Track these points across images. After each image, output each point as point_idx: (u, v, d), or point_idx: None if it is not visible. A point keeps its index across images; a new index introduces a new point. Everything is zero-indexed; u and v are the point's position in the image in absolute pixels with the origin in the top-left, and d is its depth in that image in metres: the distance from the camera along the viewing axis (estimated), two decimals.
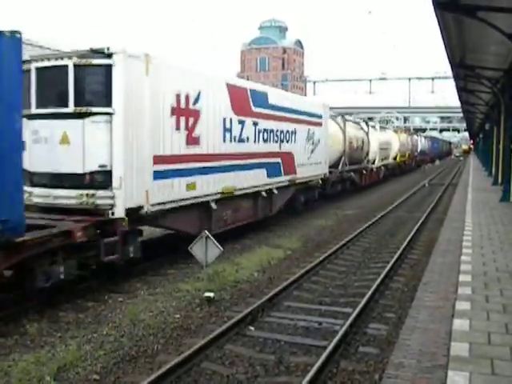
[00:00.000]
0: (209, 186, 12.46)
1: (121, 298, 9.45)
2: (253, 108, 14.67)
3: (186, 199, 11.60)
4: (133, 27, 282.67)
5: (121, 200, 9.57)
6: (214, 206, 12.79)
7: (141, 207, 10.11)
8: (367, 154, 29.94)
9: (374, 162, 31.73)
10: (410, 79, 61.45)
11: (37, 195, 9.81)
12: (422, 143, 60.39)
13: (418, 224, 17.16)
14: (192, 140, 11.72)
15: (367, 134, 30.54)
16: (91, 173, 9.56)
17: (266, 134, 15.52)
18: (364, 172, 29.53)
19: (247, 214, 15.04)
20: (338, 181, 24.42)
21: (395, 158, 40.66)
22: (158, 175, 10.55)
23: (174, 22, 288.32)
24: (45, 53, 11.28)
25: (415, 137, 56.29)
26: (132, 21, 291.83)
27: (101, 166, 9.53)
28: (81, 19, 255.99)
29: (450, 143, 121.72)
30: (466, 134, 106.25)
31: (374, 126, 34.03)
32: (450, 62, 19.45)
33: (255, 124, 14.81)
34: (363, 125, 31.29)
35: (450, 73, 24.40)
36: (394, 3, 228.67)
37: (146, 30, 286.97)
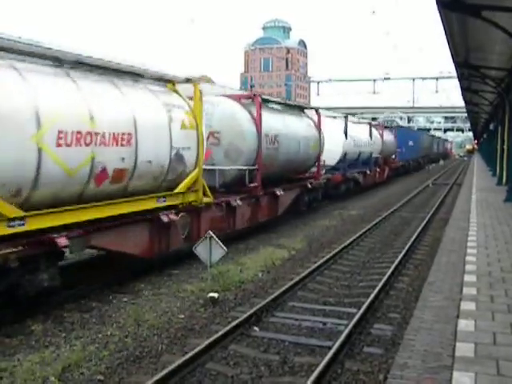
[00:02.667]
0: None
1: (125, 299, 9.46)
2: None
3: None
4: (134, 26, 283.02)
5: None
6: None
7: None
8: None
9: None
10: (413, 79, 61.00)
11: None
12: (354, 139, 25.86)
13: (423, 224, 17.13)
14: None
15: None
16: None
17: None
18: None
19: None
20: None
21: None
22: None
23: (176, 22, 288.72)
24: None
25: (309, 118, 19.80)
26: (133, 20, 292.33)
27: None
28: (81, 19, 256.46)
29: (446, 141, 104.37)
30: (470, 133, 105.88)
31: None
32: (454, 62, 19.38)
33: None
34: None
35: (454, 73, 24.34)
36: (397, 3, 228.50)
37: (147, 30, 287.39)
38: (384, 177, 34.49)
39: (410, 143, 47.10)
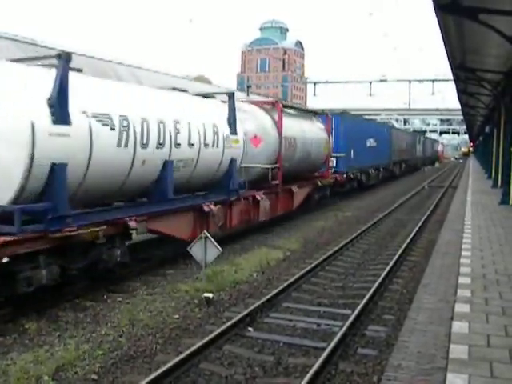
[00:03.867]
0: None
1: (120, 298, 9.44)
2: None
3: None
4: (133, 26, 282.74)
5: None
6: None
7: None
8: None
9: None
10: (410, 81, 61.11)
11: None
12: (128, 128, 9.01)
13: (418, 226, 17.16)
14: None
15: None
16: None
17: None
18: None
19: None
20: None
21: None
22: None
23: (173, 22, 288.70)
24: None
25: None
26: (131, 20, 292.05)
27: None
28: (80, 18, 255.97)
29: (436, 142, 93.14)
30: (466, 136, 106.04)
31: None
32: (450, 65, 19.44)
33: None
34: None
35: (450, 75, 24.38)
36: (394, 5, 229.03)
37: (145, 30, 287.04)
38: (292, 205, 18.00)
39: (370, 142, 29.79)
